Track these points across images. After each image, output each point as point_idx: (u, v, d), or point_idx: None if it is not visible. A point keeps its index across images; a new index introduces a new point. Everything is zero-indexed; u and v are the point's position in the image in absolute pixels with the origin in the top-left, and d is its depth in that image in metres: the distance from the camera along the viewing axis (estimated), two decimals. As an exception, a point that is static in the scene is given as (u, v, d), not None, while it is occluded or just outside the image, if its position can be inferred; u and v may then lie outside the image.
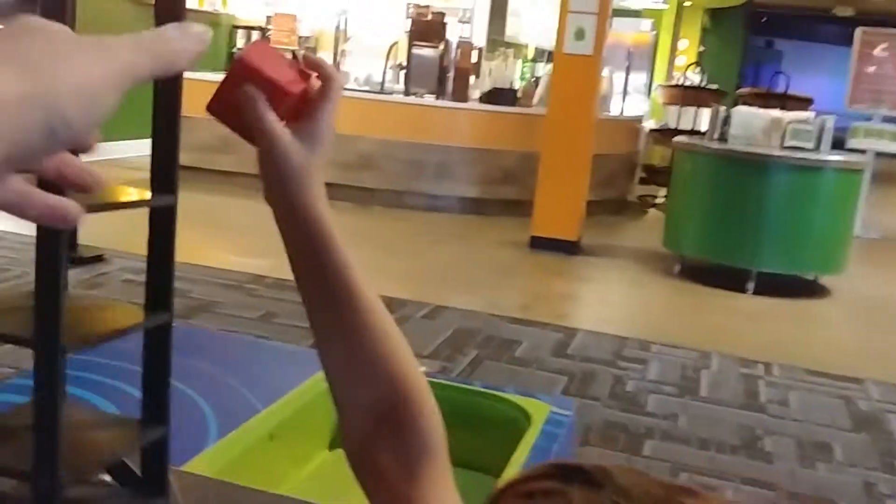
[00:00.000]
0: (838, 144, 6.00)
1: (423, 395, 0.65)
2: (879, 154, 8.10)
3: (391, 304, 4.53)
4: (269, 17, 9.92)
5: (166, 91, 1.13)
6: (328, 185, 0.65)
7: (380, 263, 5.78)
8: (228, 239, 5.88)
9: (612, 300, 5.63)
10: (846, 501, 2.88)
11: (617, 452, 3.05)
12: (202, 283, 4.53)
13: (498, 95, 7.79)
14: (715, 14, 16.76)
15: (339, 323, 0.65)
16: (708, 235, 5.81)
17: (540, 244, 6.23)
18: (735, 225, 5.64)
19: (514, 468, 1.15)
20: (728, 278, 5.57)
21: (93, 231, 4.53)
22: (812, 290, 5.81)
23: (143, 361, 0.71)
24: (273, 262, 4.62)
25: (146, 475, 0.71)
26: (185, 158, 1.32)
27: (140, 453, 0.71)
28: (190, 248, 4.62)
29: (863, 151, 7.61)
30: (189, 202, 1.77)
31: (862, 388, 3.99)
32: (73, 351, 0.88)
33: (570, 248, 6.24)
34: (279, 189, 0.64)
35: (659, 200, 8.56)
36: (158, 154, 1.16)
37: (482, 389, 1.52)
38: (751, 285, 5.55)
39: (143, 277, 1.44)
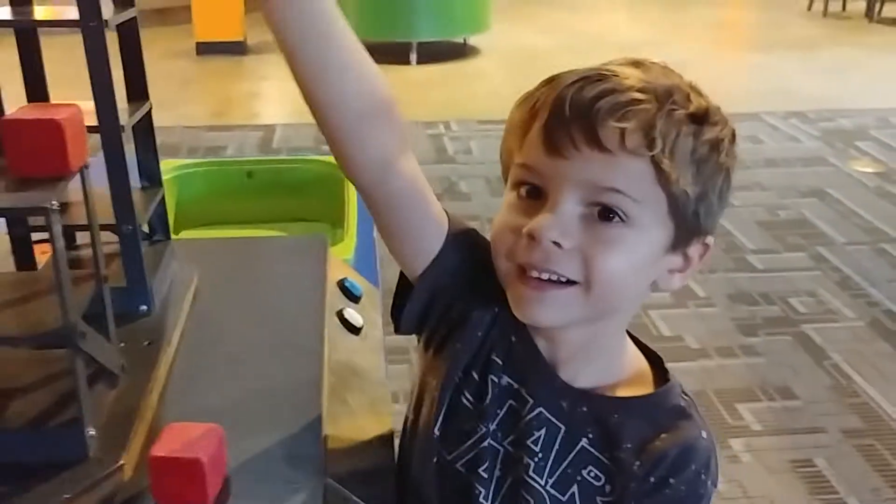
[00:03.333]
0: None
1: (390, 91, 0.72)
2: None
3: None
4: None
5: None
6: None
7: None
8: None
9: (293, 94, 5.82)
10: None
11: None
12: None
13: None
14: None
15: (329, 58, 0.69)
16: (368, 14, 6.12)
17: (207, 49, 6.17)
18: (392, 1, 6.01)
19: (352, 215, 1.45)
20: (394, 53, 6.00)
21: None
22: (465, 51, 6.46)
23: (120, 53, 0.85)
24: None
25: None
26: None
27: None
28: None
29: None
30: None
31: (524, 126, 4.72)
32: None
33: (238, 48, 6.24)
34: None
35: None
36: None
37: (302, 157, 1.78)
38: (414, 56, 6.04)
39: None
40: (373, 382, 0.93)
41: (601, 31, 7.15)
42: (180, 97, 5.35)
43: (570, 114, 0.68)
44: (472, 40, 6.54)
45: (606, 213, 0.68)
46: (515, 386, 0.75)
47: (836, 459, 2.12)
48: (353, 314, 0.97)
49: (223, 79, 5.93)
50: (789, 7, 8.21)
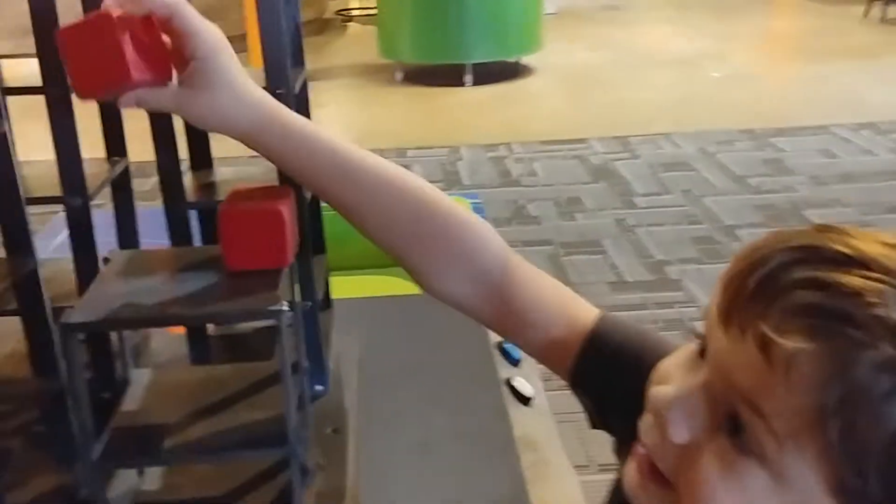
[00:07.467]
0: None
1: (459, 211, 0.70)
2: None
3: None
4: None
5: None
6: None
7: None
8: None
9: (351, 119, 5.84)
10: (606, 238, 3.49)
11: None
12: None
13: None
14: None
15: (360, 190, 0.69)
16: (421, 37, 6.11)
17: (262, 78, 6.18)
18: (444, 22, 5.99)
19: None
20: (447, 75, 5.97)
21: None
22: (518, 71, 6.41)
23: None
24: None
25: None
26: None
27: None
28: None
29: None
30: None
31: (588, 146, 4.65)
32: None
33: (292, 75, 6.25)
34: (232, 123, 0.67)
35: (356, 12, 8.67)
36: None
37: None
38: (469, 77, 6.01)
39: None
40: (551, 458, 0.86)
41: (652, 46, 7.06)
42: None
43: (755, 288, 0.49)
44: (525, 60, 6.49)
45: (733, 426, 0.49)
46: None
47: None
48: (522, 383, 0.92)
49: (279, 106, 5.92)
50: (845, 14, 8.04)
